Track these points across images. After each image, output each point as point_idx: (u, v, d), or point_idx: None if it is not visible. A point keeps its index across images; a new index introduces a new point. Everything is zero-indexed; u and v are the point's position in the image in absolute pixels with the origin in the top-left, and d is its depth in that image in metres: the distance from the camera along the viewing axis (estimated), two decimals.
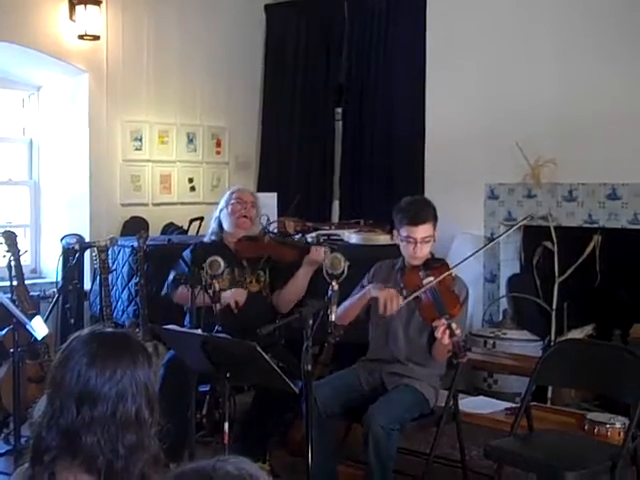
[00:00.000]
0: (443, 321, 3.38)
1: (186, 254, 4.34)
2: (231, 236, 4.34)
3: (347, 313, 3.68)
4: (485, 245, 4.71)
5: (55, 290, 5.09)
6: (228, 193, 4.51)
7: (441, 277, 3.56)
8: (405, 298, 3.58)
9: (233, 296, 4.09)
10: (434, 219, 3.67)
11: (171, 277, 4.32)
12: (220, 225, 4.41)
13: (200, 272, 3.82)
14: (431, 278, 3.55)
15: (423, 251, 3.63)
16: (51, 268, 5.56)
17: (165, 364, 4.02)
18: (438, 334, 3.38)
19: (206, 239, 4.48)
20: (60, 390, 1.73)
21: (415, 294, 3.55)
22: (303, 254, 4.19)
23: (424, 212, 3.65)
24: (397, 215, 3.68)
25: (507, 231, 4.96)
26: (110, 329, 1.87)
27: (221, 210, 4.43)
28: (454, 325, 3.38)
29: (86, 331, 1.81)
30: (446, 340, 3.37)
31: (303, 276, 4.21)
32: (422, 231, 3.60)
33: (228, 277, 4.17)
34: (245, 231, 4.33)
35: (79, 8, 5.60)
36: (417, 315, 3.65)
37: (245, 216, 4.35)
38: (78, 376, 1.71)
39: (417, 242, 3.60)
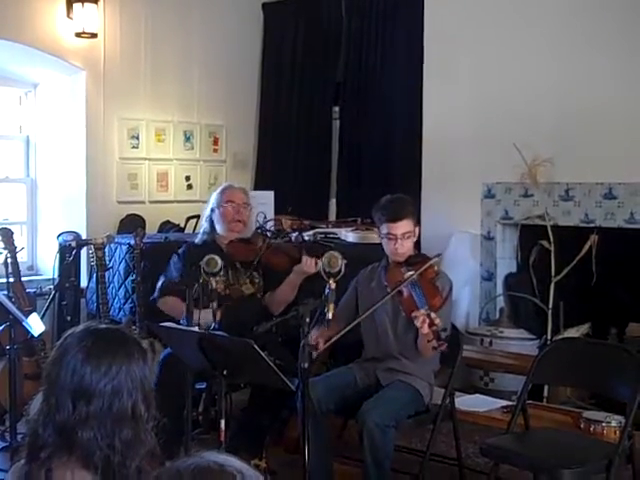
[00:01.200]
0: (422, 311, 3.44)
1: (176, 258, 4.30)
2: (224, 238, 4.29)
3: None
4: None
5: (52, 287, 5.09)
6: (219, 192, 4.40)
7: (421, 269, 3.62)
8: (326, 341, 3.55)
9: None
10: (413, 215, 3.78)
11: (160, 283, 4.29)
12: (212, 225, 4.34)
13: (197, 270, 3.81)
14: (412, 272, 3.60)
15: (404, 247, 3.70)
16: (48, 265, 5.56)
17: (160, 362, 4.01)
18: (418, 323, 3.42)
19: (197, 239, 4.39)
20: (55, 386, 1.73)
21: (338, 335, 3.52)
22: (295, 263, 4.13)
23: (402, 209, 3.73)
24: (377, 213, 3.77)
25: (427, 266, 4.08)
26: (104, 325, 1.87)
27: (212, 210, 4.34)
28: (433, 315, 3.42)
29: (81, 327, 1.81)
30: (425, 329, 3.41)
31: (291, 283, 4.15)
32: (402, 227, 3.68)
33: (222, 279, 4.10)
34: (239, 234, 4.28)
35: (76, 6, 5.60)
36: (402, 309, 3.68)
37: (239, 220, 4.27)
38: (73, 372, 1.71)
39: (397, 238, 3.68)
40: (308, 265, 4.03)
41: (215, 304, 3.82)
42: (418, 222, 3.91)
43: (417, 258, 3.76)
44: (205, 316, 3.75)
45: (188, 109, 6.43)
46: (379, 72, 6.32)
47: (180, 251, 4.34)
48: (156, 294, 4.29)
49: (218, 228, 4.31)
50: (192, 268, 3.84)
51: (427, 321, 3.40)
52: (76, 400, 1.70)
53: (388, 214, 3.70)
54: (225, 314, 3.91)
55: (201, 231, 4.43)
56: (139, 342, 1.83)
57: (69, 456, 1.70)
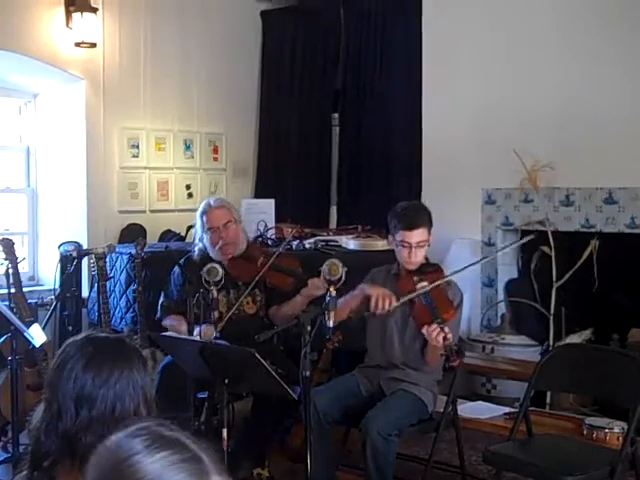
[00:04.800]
0: (435, 325, 3.40)
1: (177, 273, 4.27)
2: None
3: (338, 311, 3.64)
4: (483, 258, 4.39)
5: (53, 297, 5.08)
6: (199, 215, 4.28)
7: (436, 284, 3.58)
8: (399, 299, 3.59)
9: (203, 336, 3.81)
10: (429, 224, 3.72)
11: (161, 303, 4.28)
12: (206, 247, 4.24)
13: (198, 281, 3.80)
14: (425, 283, 3.58)
15: (418, 256, 3.66)
16: (49, 275, 5.54)
17: (160, 371, 4.00)
18: (431, 337, 3.39)
19: (195, 255, 4.29)
20: (57, 394, 1.73)
21: (409, 296, 3.56)
22: (300, 284, 4.08)
23: (419, 217, 3.69)
24: (392, 220, 3.71)
25: (509, 245, 4.53)
26: (104, 334, 1.88)
27: (201, 237, 4.25)
28: (447, 329, 3.39)
29: (80, 336, 1.82)
30: (439, 342, 3.37)
31: (300, 304, 4.09)
32: (417, 236, 3.64)
33: (224, 300, 4.09)
34: (232, 254, 4.21)
35: (75, 15, 5.60)
36: (412, 320, 3.65)
37: (227, 243, 4.17)
38: (75, 380, 1.72)
39: (412, 247, 3.63)
40: (316, 287, 3.97)
41: (216, 313, 3.83)
42: None
43: (429, 267, 3.71)
44: (206, 331, 3.74)
45: (188, 118, 6.43)
46: (378, 78, 6.34)
47: (178, 268, 4.28)
48: (159, 314, 4.30)
49: (211, 254, 4.20)
50: (193, 279, 3.83)
51: (441, 335, 3.38)
52: (79, 406, 1.70)
53: (404, 222, 3.65)
54: (227, 334, 3.86)
55: (196, 249, 4.31)
56: (138, 350, 1.83)
57: (72, 463, 1.70)
